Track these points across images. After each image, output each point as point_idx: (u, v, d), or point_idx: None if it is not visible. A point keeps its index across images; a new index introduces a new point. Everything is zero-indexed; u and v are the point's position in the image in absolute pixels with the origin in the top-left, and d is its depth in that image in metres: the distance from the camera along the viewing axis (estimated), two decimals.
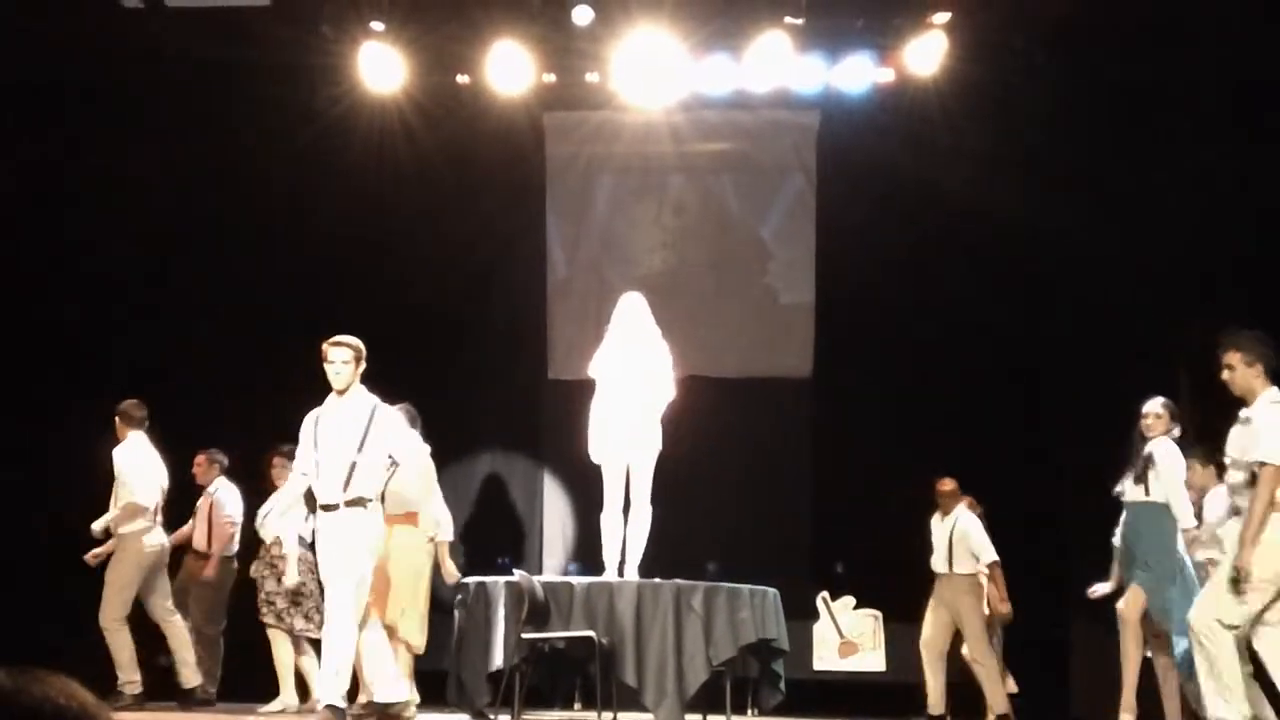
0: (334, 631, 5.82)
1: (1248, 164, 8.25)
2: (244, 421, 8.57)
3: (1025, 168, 8.99)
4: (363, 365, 6.01)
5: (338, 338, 6.00)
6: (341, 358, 5.95)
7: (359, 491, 5.88)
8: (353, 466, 5.85)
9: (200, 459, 8.21)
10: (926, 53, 8.84)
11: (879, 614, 9.31)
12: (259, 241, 9.53)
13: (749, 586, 6.64)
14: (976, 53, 8.86)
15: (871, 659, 9.31)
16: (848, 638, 9.37)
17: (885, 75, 9.30)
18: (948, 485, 8.08)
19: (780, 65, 8.99)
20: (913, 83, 9.06)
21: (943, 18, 8.75)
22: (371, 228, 9.67)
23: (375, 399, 6.06)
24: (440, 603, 7.22)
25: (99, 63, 9.05)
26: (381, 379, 8.27)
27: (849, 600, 9.42)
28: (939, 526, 8.07)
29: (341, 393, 5.96)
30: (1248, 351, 5.35)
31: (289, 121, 9.21)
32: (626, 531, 6.96)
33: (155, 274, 9.52)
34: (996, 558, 7.94)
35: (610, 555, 6.94)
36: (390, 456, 6.04)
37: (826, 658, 9.34)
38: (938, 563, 8.01)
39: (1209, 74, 8.52)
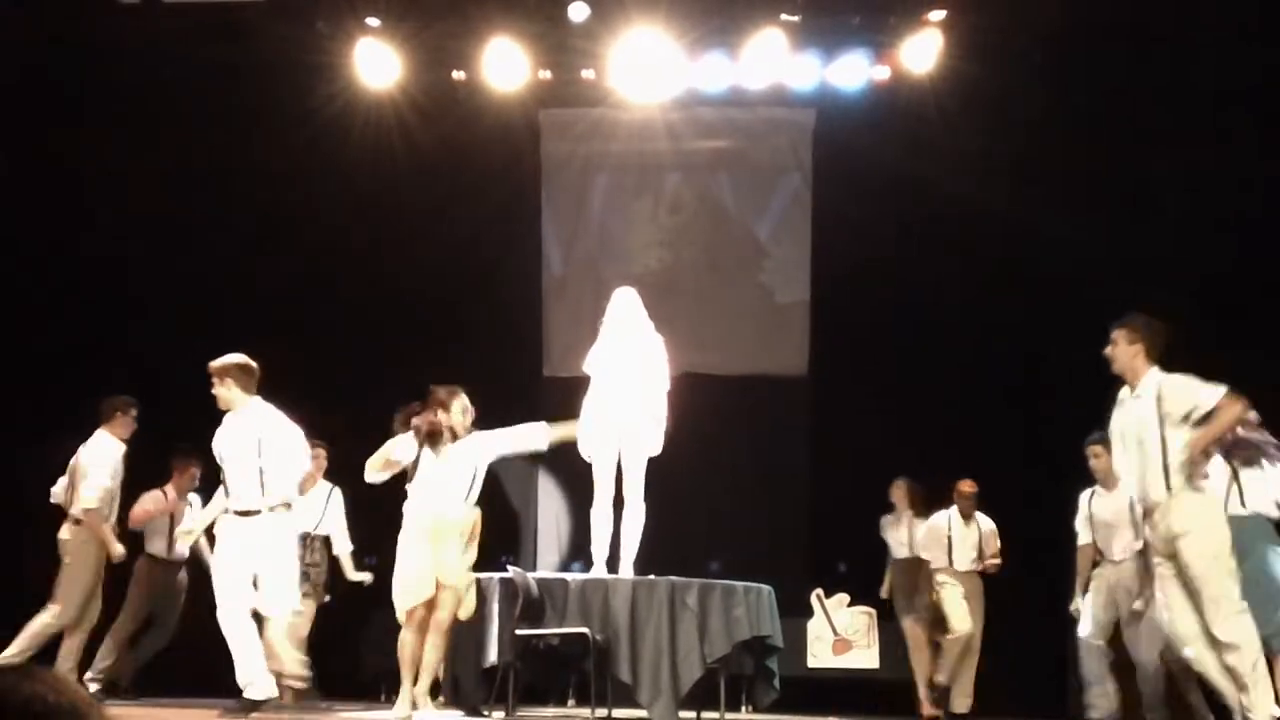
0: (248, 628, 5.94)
1: (1247, 164, 8.25)
2: None
3: (1022, 165, 8.98)
4: (229, 382, 6.07)
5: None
6: (214, 387, 6.08)
7: (272, 498, 6.02)
8: (260, 474, 5.99)
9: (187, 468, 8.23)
10: (923, 50, 8.85)
11: (873, 611, 9.30)
12: (253, 234, 9.50)
13: (744, 583, 6.62)
14: (973, 50, 8.85)
15: (865, 656, 9.31)
16: (842, 635, 9.37)
17: (881, 73, 9.30)
18: (972, 488, 8.24)
19: (776, 62, 8.99)
20: (909, 80, 9.07)
21: (939, 15, 8.76)
22: (366, 224, 9.64)
23: (266, 410, 6.15)
24: None
25: (95, 59, 9.03)
26: (377, 376, 8.26)
27: (843, 598, 9.42)
28: (962, 528, 8.20)
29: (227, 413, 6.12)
30: (1130, 331, 5.33)
31: (284, 117, 9.19)
32: (619, 527, 6.94)
33: (150, 270, 9.49)
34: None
35: (599, 549, 6.91)
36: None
37: (821, 655, 9.34)
38: (963, 561, 8.16)
39: (1208, 74, 8.51)
